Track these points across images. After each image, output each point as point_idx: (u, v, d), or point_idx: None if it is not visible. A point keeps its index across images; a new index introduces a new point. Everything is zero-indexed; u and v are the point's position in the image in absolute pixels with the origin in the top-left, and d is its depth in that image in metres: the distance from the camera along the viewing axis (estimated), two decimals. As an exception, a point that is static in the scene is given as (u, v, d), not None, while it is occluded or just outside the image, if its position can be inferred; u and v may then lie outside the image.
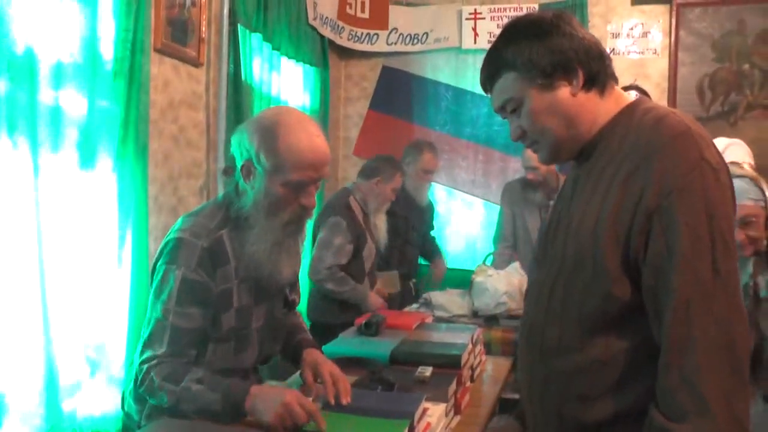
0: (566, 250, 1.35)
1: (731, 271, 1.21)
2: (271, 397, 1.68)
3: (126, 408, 1.98)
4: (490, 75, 1.44)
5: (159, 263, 1.83)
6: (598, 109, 1.38)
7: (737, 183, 2.03)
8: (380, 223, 3.69)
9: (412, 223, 4.16)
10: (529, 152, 3.93)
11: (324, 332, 2.78)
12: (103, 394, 2.64)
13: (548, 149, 1.44)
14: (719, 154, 1.27)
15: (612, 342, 1.29)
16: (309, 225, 2.12)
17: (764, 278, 2.24)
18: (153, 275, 1.86)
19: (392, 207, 3.77)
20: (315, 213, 3.47)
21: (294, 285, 2.12)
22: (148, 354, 1.77)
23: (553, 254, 1.39)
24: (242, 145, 1.81)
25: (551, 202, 4.01)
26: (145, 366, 1.76)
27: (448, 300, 3.92)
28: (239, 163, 1.82)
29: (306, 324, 2.37)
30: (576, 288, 1.32)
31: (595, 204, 1.30)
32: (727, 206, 1.23)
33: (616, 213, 1.25)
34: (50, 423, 2.38)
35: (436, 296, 3.85)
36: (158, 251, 1.86)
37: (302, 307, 4.12)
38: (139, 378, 1.77)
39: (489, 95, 1.48)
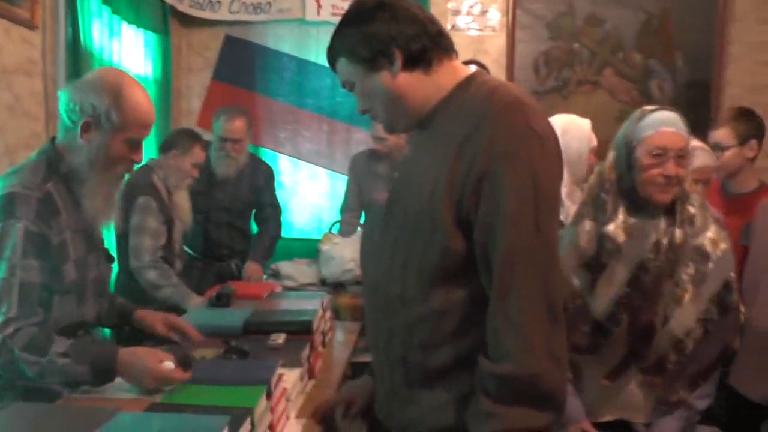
0: (407, 210, 1.46)
1: (552, 229, 1.36)
2: (138, 369, 1.77)
3: None
4: (329, 60, 1.57)
5: None
6: (426, 86, 1.49)
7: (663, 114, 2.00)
8: (181, 201, 3.48)
9: (217, 201, 3.94)
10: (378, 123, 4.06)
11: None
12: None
13: (384, 123, 1.59)
14: (548, 124, 1.40)
15: (450, 293, 1.41)
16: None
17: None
18: None
19: (194, 182, 3.57)
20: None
21: None
22: None
23: (394, 216, 1.50)
24: (86, 102, 1.89)
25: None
26: None
27: (296, 270, 4.00)
28: (78, 120, 1.90)
29: None
30: (416, 245, 1.42)
31: (433, 168, 1.41)
32: (551, 171, 1.37)
33: (451, 176, 1.36)
34: None
35: (284, 266, 3.91)
36: None
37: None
38: None
39: None
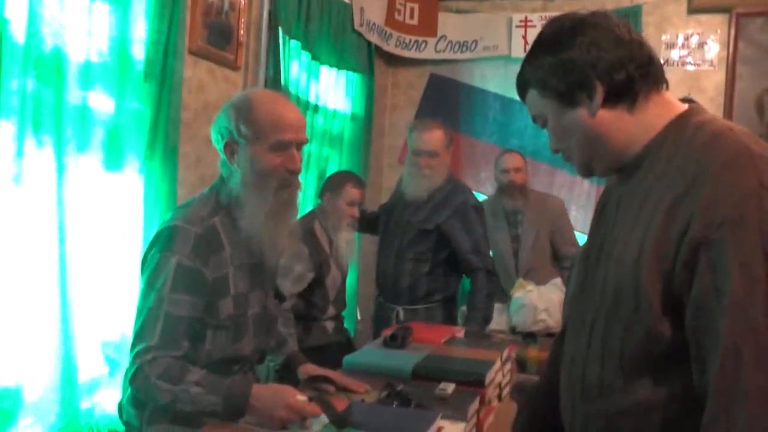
0: (607, 281, 1.25)
1: None
2: (271, 401, 1.73)
3: (125, 417, 1.96)
4: (519, 91, 1.38)
5: (152, 252, 1.83)
6: (630, 125, 1.26)
7: None
8: (344, 242, 3.32)
9: (392, 225, 3.46)
10: (506, 156, 4.02)
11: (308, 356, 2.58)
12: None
13: (578, 166, 1.36)
14: None
15: (658, 386, 1.17)
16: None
17: None
18: (144, 265, 1.86)
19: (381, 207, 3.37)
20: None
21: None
22: (140, 347, 1.75)
23: (594, 283, 1.29)
24: (219, 128, 1.88)
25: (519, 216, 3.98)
26: (138, 361, 1.74)
27: (486, 314, 3.82)
28: (221, 147, 1.88)
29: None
30: (617, 324, 1.21)
31: (639, 232, 1.18)
32: None
33: (660, 243, 1.13)
34: (65, 420, 2.38)
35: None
36: (151, 241, 1.87)
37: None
38: (130, 374, 1.75)
39: None
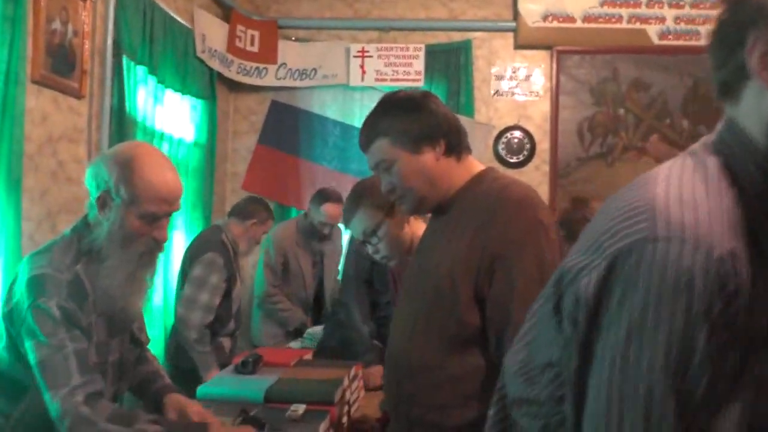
0: (427, 286, 1.65)
1: None
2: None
3: None
4: (367, 139, 1.73)
5: (26, 305, 1.73)
6: (454, 173, 1.70)
7: None
8: (246, 266, 3.63)
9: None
10: (328, 209, 4.03)
11: (185, 377, 2.63)
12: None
13: (412, 203, 1.75)
14: (550, 215, 1.63)
15: (466, 360, 1.58)
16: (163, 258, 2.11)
17: None
18: (15, 321, 1.77)
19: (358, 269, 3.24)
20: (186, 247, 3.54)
21: (140, 322, 2.10)
22: (63, 392, 1.68)
23: (416, 291, 1.70)
24: (99, 176, 1.83)
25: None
26: (68, 406, 1.67)
27: (332, 335, 3.95)
28: (95, 195, 1.83)
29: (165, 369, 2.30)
30: (436, 316, 1.61)
31: (451, 248, 1.61)
32: (554, 255, 1.55)
33: (468, 256, 1.57)
34: None
35: (317, 330, 3.87)
36: (17, 296, 1.78)
37: (159, 348, 3.72)
38: (66, 425, 1.67)
39: (366, 155, 1.77)
